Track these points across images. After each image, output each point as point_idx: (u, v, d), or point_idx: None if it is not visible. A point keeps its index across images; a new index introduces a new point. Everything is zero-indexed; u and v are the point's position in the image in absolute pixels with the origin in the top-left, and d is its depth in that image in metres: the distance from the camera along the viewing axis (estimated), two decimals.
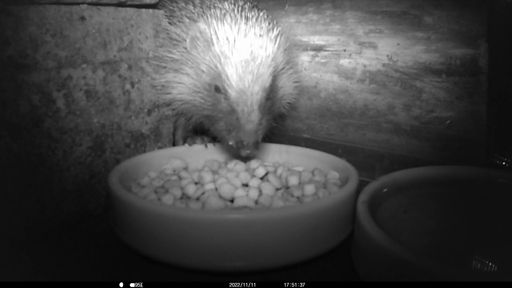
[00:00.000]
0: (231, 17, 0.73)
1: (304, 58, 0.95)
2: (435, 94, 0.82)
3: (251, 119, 0.68)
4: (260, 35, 0.72)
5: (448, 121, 0.82)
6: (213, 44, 0.71)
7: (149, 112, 0.85)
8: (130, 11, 0.79)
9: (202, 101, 0.75)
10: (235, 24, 0.72)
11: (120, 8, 0.77)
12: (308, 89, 0.96)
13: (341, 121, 0.93)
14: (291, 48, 0.81)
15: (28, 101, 0.66)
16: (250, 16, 0.75)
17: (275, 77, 0.74)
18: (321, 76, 0.94)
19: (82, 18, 0.71)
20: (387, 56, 0.86)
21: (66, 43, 0.70)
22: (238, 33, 0.71)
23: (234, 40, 0.70)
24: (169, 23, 0.84)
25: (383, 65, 0.87)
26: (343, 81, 0.92)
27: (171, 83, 0.79)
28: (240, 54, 0.69)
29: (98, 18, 0.74)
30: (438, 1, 0.81)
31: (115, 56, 0.78)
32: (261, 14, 0.78)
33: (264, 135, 0.74)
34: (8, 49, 0.63)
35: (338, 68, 0.92)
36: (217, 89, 0.72)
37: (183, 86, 0.78)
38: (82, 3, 0.71)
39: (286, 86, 0.81)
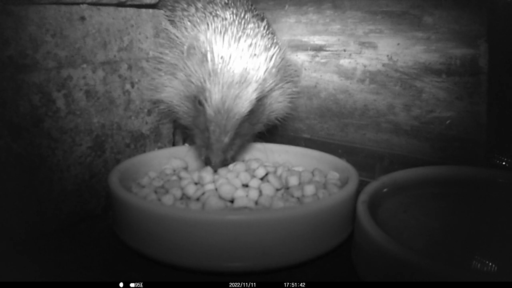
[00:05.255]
0: (232, 33, 0.72)
1: (304, 58, 0.95)
2: (435, 94, 0.82)
3: (221, 139, 0.71)
4: (255, 55, 0.72)
5: (448, 121, 0.82)
6: (207, 60, 0.71)
7: (149, 112, 0.85)
8: (130, 11, 0.79)
9: (186, 109, 0.77)
10: (234, 41, 0.71)
11: (120, 8, 0.77)
12: (308, 89, 0.96)
13: (341, 121, 0.93)
14: (287, 62, 0.81)
15: (28, 101, 0.66)
16: (250, 31, 0.74)
17: (261, 98, 0.75)
18: (321, 76, 0.94)
19: (82, 18, 0.71)
20: (387, 56, 0.86)
21: (66, 43, 0.70)
22: (234, 52, 0.71)
23: (229, 59, 0.70)
24: (170, 21, 0.84)
25: (383, 65, 0.87)
26: (343, 81, 0.92)
27: (162, 85, 0.79)
28: (230, 75, 0.70)
29: (98, 18, 0.74)
30: (438, 1, 0.81)
31: (115, 56, 0.78)
32: (261, 28, 0.77)
33: (237, 150, 0.78)
34: (8, 49, 0.63)
35: (338, 68, 0.92)
36: (200, 103, 0.73)
37: (172, 90, 0.78)
38: (82, 3, 0.71)
39: (278, 102, 0.81)
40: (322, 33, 0.93)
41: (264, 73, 0.72)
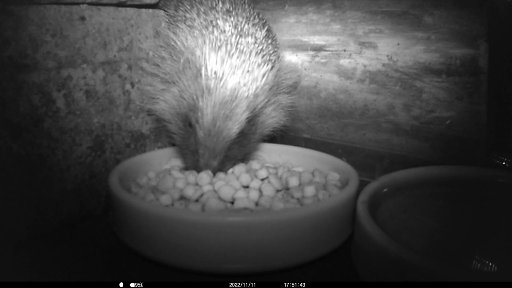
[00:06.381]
0: (226, 49, 0.72)
1: (304, 58, 0.95)
2: (435, 94, 0.82)
3: (210, 163, 0.71)
4: (248, 71, 0.71)
5: (448, 121, 0.82)
6: (200, 76, 0.70)
7: (149, 112, 0.85)
8: (130, 11, 0.79)
9: (177, 129, 0.76)
10: (228, 56, 0.71)
11: (120, 8, 0.77)
12: (308, 89, 0.96)
13: (341, 121, 0.93)
14: (281, 77, 0.80)
15: (28, 101, 0.66)
16: (245, 48, 0.74)
17: (252, 118, 0.74)
18: (321, 76, 0.94)
19: (82, 18, 0.71)
20: (387, 56, 0.86)
21: (66, 43, 0.70)
22: (227, 68, 0.70)
23: (222, 75, 0.70)
24: (170, 20, 0.84)
25: (383, 65, 0.87)
26: (343, 81, 0.92)
27: (157, 95, 0.79)
28: (222, 92, 0.69)
29: (98, 18, 0.74)
30: (438, 1, 0.81)
31: (115, 56, 0.78)
32: (257, 44, 0.76)
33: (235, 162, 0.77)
34: (8, 49, 0.63)
35: (338, 68, 0.92)
36: (190, 125, 0.72)
37: (165, 105, 0.78)
38: (82, 3, 0.71)
39: (271, 118, 0.81)
40: (322, 33, 0.93)
41: (255, 90, 0.72)
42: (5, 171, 0.64)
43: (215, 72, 0.70)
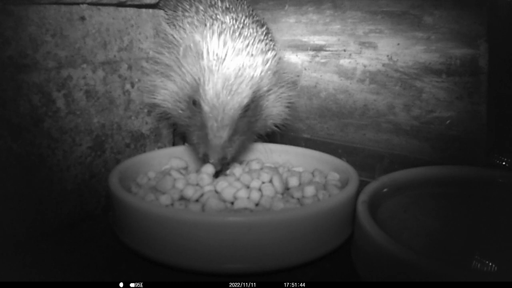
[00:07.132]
0: (229, 33, 0.72)
1: (304, 58, 0.95)
2: (435, 94, 0.82)
3: (219, 134, 0.69)
4: (252, 55, 0.72)
5: (448, 121, 0.82)
6: (202, 58, 0.71)
7: (149, 112, 0.85)
8: (130, 11, 0.79)
9: (181, 112, 0.76)
10: (231, 41, 0.71)
11: (120, 8, 0.77)
12: (308, 89, 0.96)
13: (341, 121, 0.93)
14: (283, 69, 0.81)
15: (28, 101, 0.66)
16: (249, 34, 0.74)
17: (258, 97, 0.74)
18: (321, 76, 0.94)
19: (82, 18, 0.71)
20: (387, 56, 0.86)
21: (66, 43, 0.70)
22: (230, 50, 0.70)
23: (224, 57, 0.70)
24: (169, 21, 0.84)
25: (383, 65, 0.87)
26: (343, 81, 0.92)
27: (157, 88, 0.79)
28: (225, 71, 0.69)
29: (98, 18, 0.74)
30: (438, 1, 0.81)
31: (115, 56, 0.78)
32: (259, 33, 0.77)
33: (239, 152, 0.76)
34: (8, 49, 0.63)
35: (338, 68, 0.92)
36: (195, 103, 0.72)
37: (167, 92, 0.78)
38: (82, 3, 0.71)
39: (273, 107, 0.81)
40: (322, 33, 0.93)
41: (260, 73, 0.72)
42: (5, 171, 0.64)
43: (216, 54, 0.70)
